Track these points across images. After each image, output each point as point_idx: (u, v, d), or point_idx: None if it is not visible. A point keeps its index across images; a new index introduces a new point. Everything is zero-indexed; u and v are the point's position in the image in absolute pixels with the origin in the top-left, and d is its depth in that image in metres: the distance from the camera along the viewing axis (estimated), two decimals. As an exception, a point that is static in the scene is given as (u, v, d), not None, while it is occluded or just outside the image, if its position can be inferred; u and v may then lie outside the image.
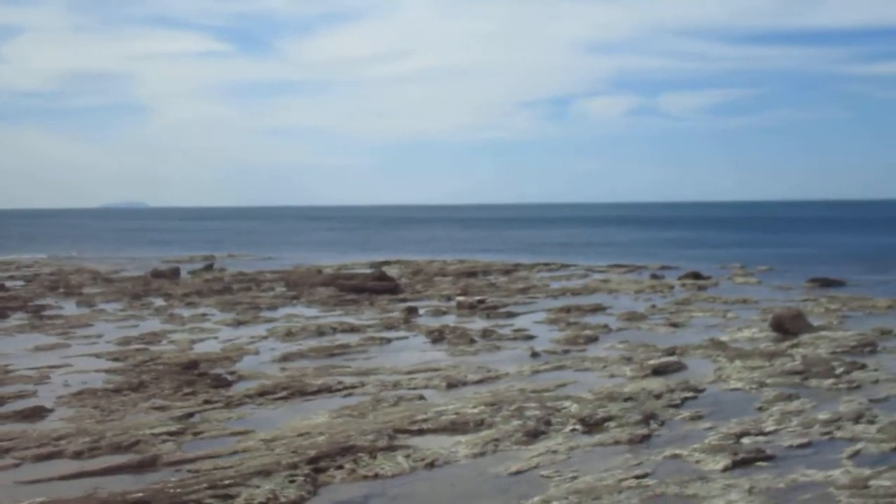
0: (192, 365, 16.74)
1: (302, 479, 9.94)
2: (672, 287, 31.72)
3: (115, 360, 17.74)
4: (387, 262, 44.14)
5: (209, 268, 41.62)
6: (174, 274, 37.20)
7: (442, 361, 17.48)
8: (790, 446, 11.25)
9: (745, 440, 11.51)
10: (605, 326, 21.93)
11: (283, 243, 72.77)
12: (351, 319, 23.82)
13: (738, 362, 16.65)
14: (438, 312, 25.41)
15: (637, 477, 10.03)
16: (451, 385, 15.11)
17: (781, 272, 38.32)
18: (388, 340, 20.35)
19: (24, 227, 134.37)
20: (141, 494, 9.24)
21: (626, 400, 13.65)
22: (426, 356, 18.13)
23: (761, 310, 24.74)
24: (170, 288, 31.97)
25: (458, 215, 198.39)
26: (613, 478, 9.98)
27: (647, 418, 12.51)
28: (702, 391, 14.45)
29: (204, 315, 25.03)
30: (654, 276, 35.52)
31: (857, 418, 12.50)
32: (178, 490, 9.37)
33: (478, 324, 22.80)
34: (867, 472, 10.07)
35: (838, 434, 11.80)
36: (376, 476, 10.28)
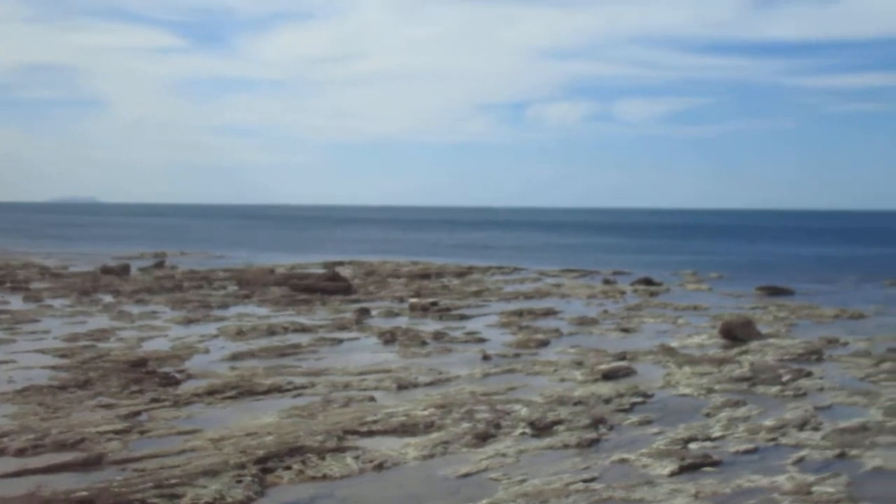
0: (141, 363, 16.56)
1: (249, 479, 9.86)
2: (624, 293, 31.94)
3: (62, 356, 17.48)
4: (340, 263, 43.98)
5: (160, 265, 41.19)
6: (124, 270, 36.74)
7: (393, 363, 17.45)
8: (736, 452, 11.37)
9: (693, 445, 11.62)
10: (557, 331, 22.02)
11: (236, 241, 72.23)
12: (302, 319, 23.70)
13: (687, 368, 16.81)
14: (391, 314, 25.37)
15: (585, 481, 10.08)
16: (402, 387, 15.09)
17: (732, 280, 38.74)
18: (340, 341, 20.27)
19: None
20: (85, 493, 9.10)
21: (575, 404, 13.72)
22: (377, 357, 18.08)
23: (711, 316, 25.00)
24: (119, 285, 31.60)
25: (413, 217, 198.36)
26: (561, 481, 10.02)
27: (597, 422, 12.58)
28: (651, 396, 14.57)
29: (154, 313, 24.77)
30: (606, 282, 35.75)
31: (803, 425, 12.67)
32: (123, 489, 9.24)
33: (430, 326, 22.79)
34: (811, 478, 10.20)
35: (784, 440, 11.94)
36: (324, 477, 10.23)
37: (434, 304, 26.71)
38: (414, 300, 27.28)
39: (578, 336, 21.50)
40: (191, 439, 11.51)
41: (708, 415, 13.33)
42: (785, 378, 15.81)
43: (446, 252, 59.61)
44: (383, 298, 29.41)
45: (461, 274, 39.42)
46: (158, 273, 37.34)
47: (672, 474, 10.36)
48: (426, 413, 12.90)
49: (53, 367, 16.27)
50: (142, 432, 11.90)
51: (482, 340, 20.58)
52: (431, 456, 11.09)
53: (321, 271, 36.12)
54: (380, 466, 10.62)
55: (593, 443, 11.78)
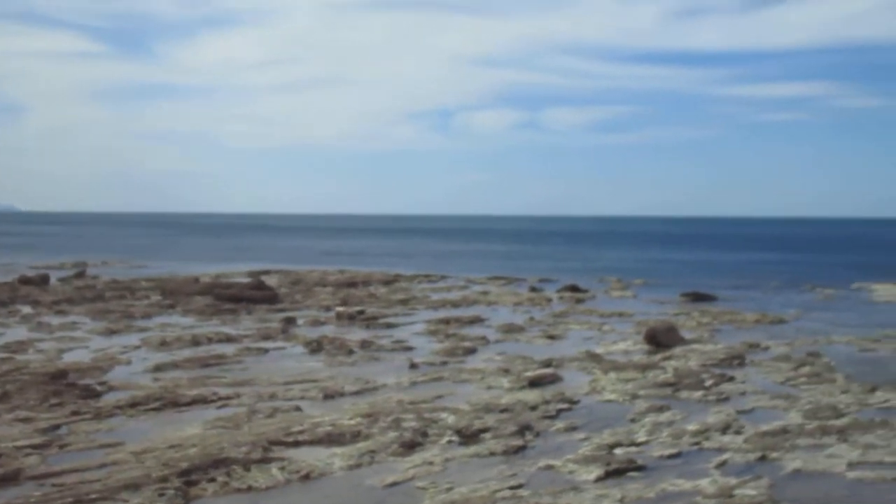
0: (60, 375, 16.19)
1: (172, 492, 9.70)
2: (550, 300, 32.20)
3: (-22, 369, 17.02)
4: (266, 272, 43.59)
5: (81, 275, 40.37)
6: (43, 280, 35.91)
7: (320, 372, 17.33)
8: (661, 456, 11.52)
9: (618, 451, 11.74)
10: (484, 338, 22.09)
11: (160, 250, 71.19)
12: (227, 329, 23.43)
13: (612, 374, 16.99)
14: (317, 323, 25.21)
15: (512, 488, 10.12)
16: (329, 396, 14.99)
17: (656, 286, 39.32)
18: (266, 351, 20.07)
19: None
20: (1, 510, 8.88)
21: (502, 411, 13.78)
22: (304, 367, 17.94)
23: (636, 323, 25.33)
24: (38, 295, 30.89)
25: (340, 224, 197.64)
26: (488, 489, 10.04)
27: (523, 429, 12.64)
28: (577, 403, 14.68)
29: (74, 323, 24.26)
30: (532, 289, 35.99)
31: (725, 429, 12.90)
32: (41, 505, 9.03)
33: (357, 334, 22.69)
34: (733, 481, 10.38)
35: (707, 444, 12.13)
36: (250, 489, 10.11)
37: (361, 312, 26.62)
38: (340, 309, 27.14)
39: (505, 343, 21.60)
40: (112, 452, 11.27)
41: (633, 420, 13.48)
42: (708, 383, 16.08)
43: (373, 260, 59.47)
44: (310, 307, 29.21)
45: (388, 282, 39.35)
46: (79, 283, 36.61)
47: (598, 480, 10.46)
48: (353, 422, 12.84)
49: (-31, 381, 15.82)
50: (61, 446, 11.63)
51: (409, 349, 20.55)
52: (358, 466, 11.03)
53: (246, 280, 35.74)
54: (306, 477, 10.53)
55: (520, 450, 11.83)
